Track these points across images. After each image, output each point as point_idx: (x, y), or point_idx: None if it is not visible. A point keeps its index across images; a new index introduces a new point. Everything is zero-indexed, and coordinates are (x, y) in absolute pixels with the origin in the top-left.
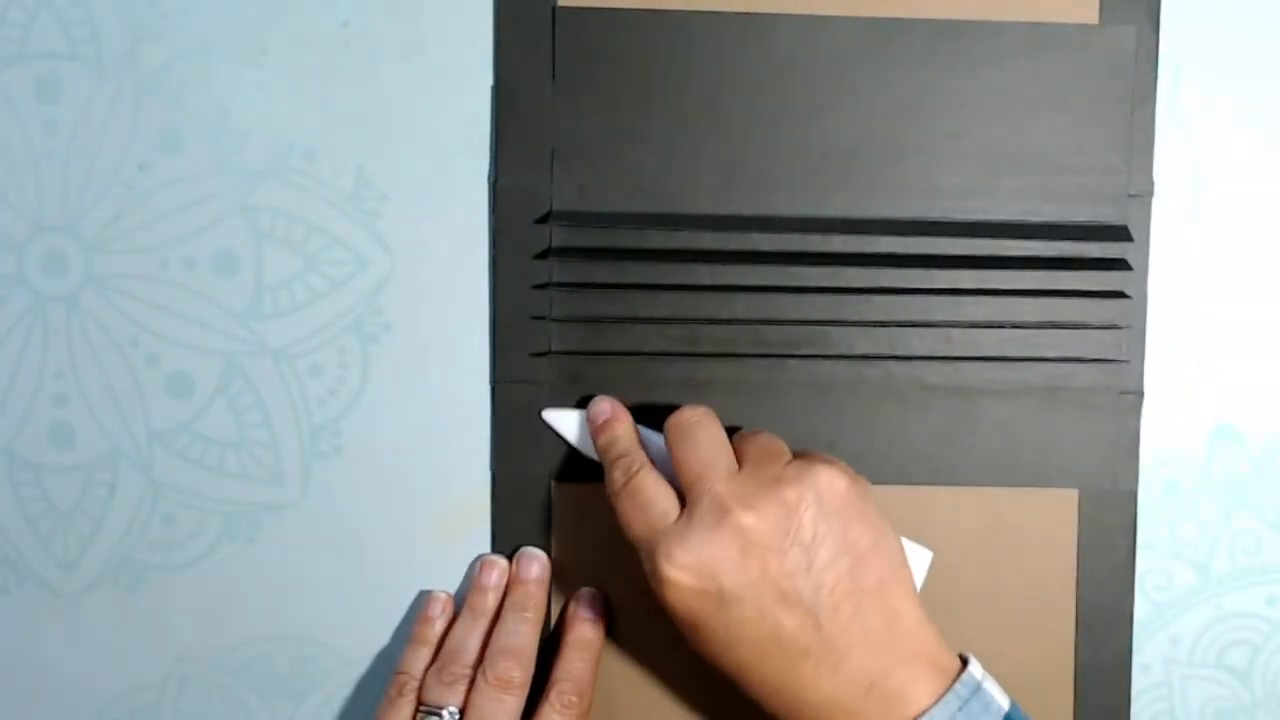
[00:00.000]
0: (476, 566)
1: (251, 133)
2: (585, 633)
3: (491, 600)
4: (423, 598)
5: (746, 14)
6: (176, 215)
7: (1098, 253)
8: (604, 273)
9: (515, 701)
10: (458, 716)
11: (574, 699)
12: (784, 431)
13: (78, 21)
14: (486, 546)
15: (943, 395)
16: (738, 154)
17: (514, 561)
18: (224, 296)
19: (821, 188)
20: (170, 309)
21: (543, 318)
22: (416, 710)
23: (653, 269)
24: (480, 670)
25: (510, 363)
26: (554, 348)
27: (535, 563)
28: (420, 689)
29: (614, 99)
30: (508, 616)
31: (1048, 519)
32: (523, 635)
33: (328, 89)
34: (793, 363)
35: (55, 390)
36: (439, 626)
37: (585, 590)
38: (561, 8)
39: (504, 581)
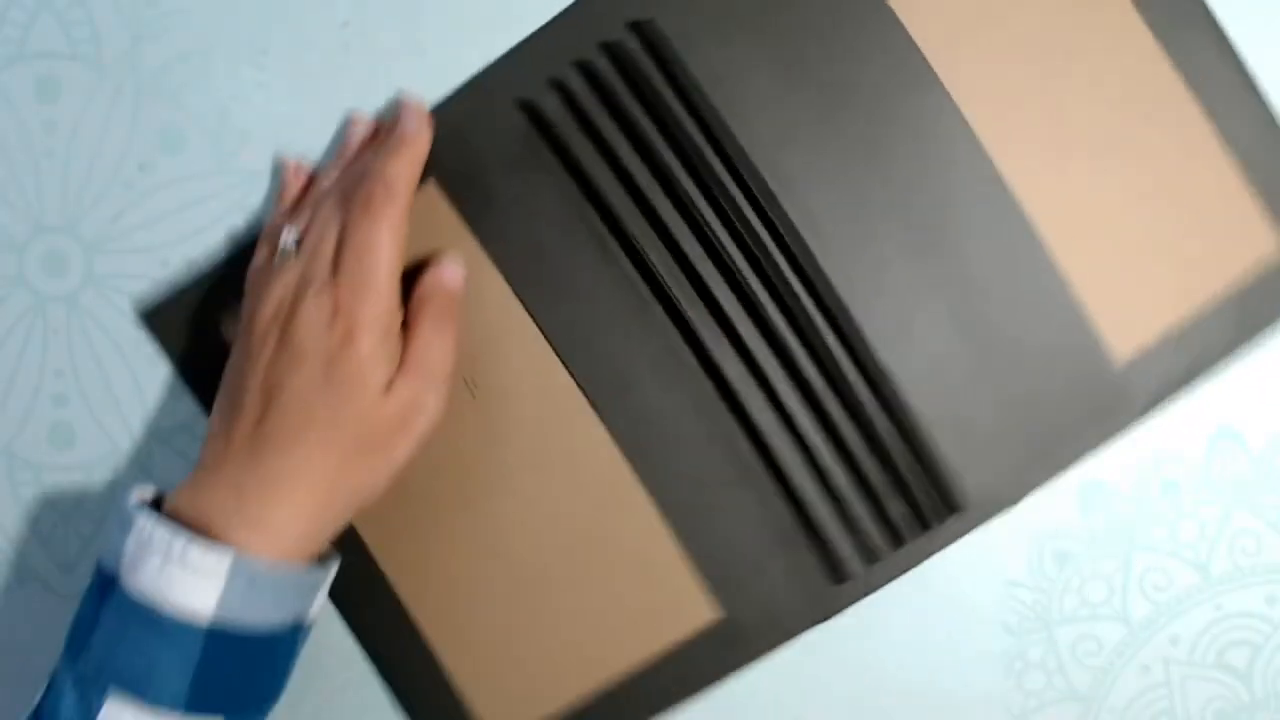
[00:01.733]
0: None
1: (251, 133)
2: (398, 137)
3: (355, 145)
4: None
5: None
6: (176, 215)
7: None
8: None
9: (341, 214)
10: (293, 238)
11: (380, 196)
12: None
13: (78, 21)
14: None
15: None
16: None
17: (398, 110)
18: None
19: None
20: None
21: None
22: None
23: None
24: (321, 192)
25: None
26: None
27: (412, 116)
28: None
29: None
30: (365, 152)
31: None
32: (363, 160)
33: (328, 89)
34: None
35: (55, 390)
36: (296, 188)
37: (408, 103)
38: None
39: (369, 134)
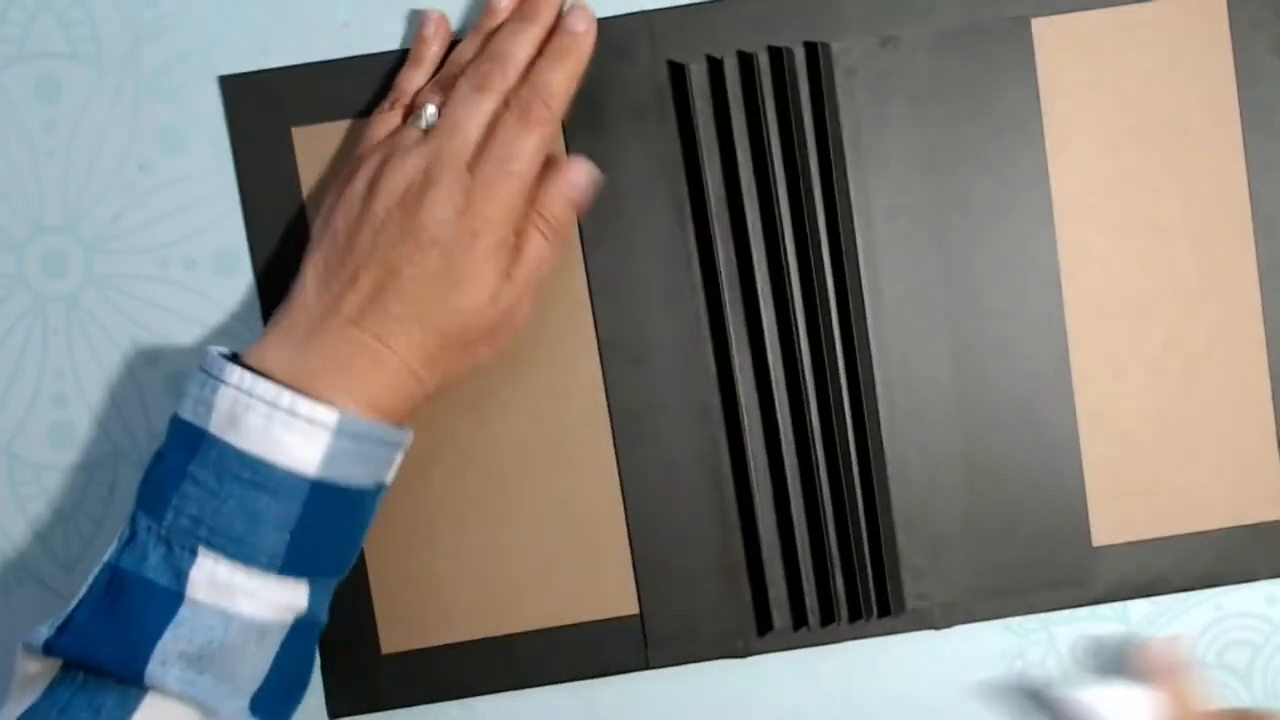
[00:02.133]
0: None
1: None
2: (565, 43)
3: (502, 19)
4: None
5: None
6: (176, 215)
7: None
8: None
9: (490, 103)
10: (434, 115)
11: (540, 110)
12: None
13: (78, 21)
14: None
15: None
16: None
17: None
18: (224, 296)
19: None
20: (170, 309)
21: None
22: (410, 121)
23: None
24: (463, 74)
25: None
26: None
27: (583, 16)
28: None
29: None
30: (505, 26)
31: None
32: (518, 44)
33: None
34: None
35: (55, 390)
36: (435, 48)
37: (575, 2)
38: None
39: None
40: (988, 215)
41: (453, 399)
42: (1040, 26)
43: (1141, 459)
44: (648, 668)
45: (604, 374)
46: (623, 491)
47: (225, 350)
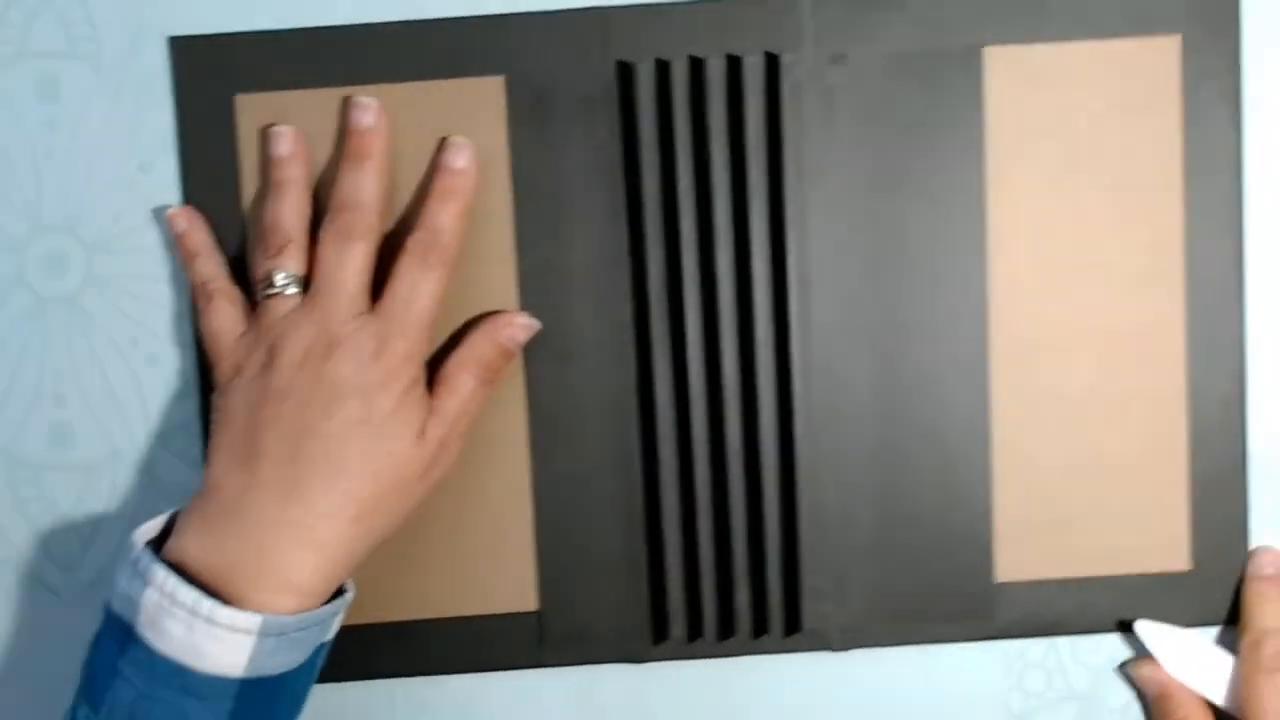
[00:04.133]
0: (264, 141)
1: None
2: (449, 183)
3: (296, 168)
4: (166, 223)
5: None
6: None
7: None
8: None
9: (363, 248)
10: (296, 282)
11: (437, 251)
12: None
13: (78, 21)
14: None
15: None
16: None
17: (347, 111)
18: None
19: None
20: (170, 309)
21: None
22: (263, 294)
23: None
24: (322, 228)
25: None
26: None
27: (367, 112)
28: (255, 275)
29: None
30: (344, 170)
31: None
32: (363, 186)
33: None
34: None
35: (55, 390)
36: (197, 235)
37: (454, 139)
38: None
39: (300, 148)
40: (922, 241)
41: None
42: (992, 56)
43: (1052, 499)
44: (541, 665)
45: (525, 367)
46: (534, 487)
47: (153, 531)
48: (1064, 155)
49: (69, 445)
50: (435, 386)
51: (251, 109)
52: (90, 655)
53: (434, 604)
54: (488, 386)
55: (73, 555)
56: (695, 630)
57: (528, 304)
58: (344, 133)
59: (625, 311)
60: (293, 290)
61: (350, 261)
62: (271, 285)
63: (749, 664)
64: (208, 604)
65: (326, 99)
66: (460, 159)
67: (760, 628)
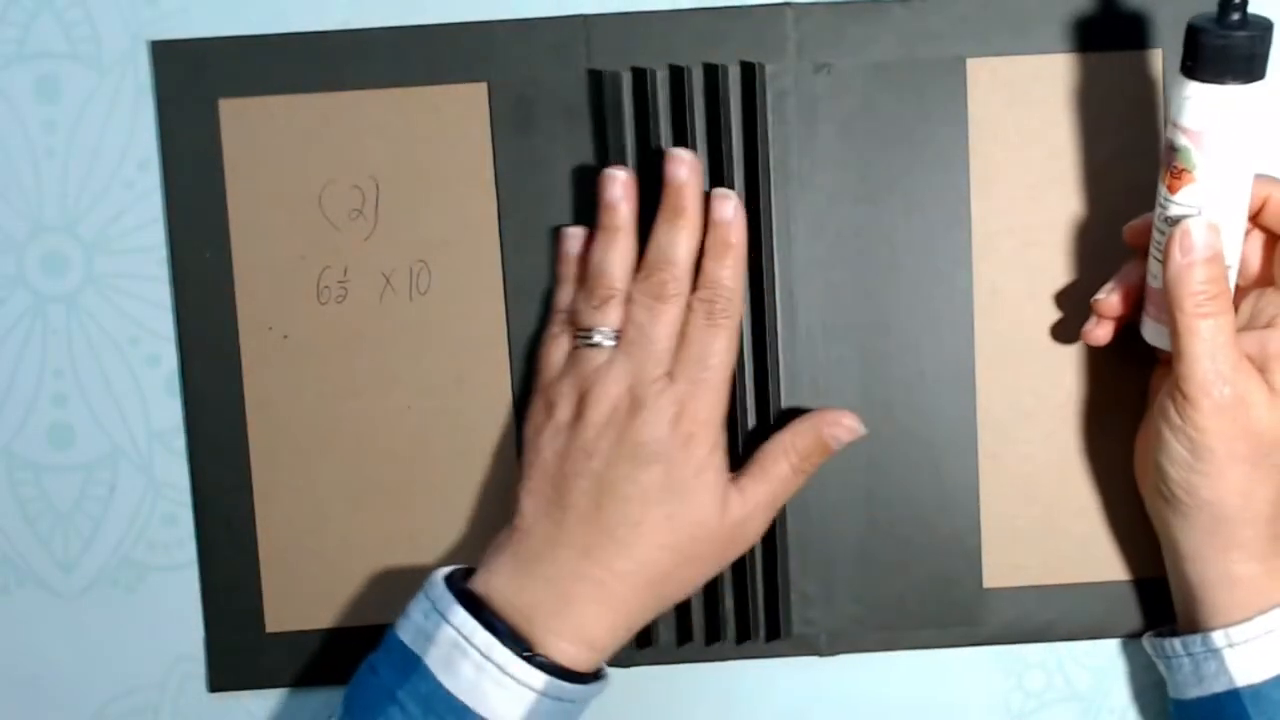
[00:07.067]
0: (599, 182)
1: None
2: (722, 235)
3: (624, 213)
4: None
5: None
6: None
7: None
8: None
9: (674, 310)
10: (612, 336)
11: (722, 307)
12: None
13: (78, 21)
14: None
15: None
16: None
17: (665, 164)
18: None
19: None
20: (170, 309)
21: None
22: (581, 341)
23: None
24: (635, 284)
25: None
26: None
27: (683, 165)
28: (578, 320)
29: None
30: (660, 227)
31: None
32: (678, 244)
33: None
34: None
35: (55, 390)
36: (577, 260)
37: (718, 190)
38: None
39: (631, 193)
40: (907, 250)
41: (355, 377)
42: (975, 67)
43: (1038, 505)
44: None
45: (511, 372)
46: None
47: (450, 570)
48: (1047, 165)
49: (69, 445)
50: (750, 465)
51: (235, 114)
52: (362, 677)
53: None
54: (800, 476)
55: (73, 555)
56: (684, 635)
57: (513, 312)
58: (663, 186)
59: None
60: (608, 344)
61: (662, 323)
62: (590, 337)
63: (737, 669)
64: (502, 651)
65: (310, 104)
66: (726, 210)
67: (748, 632)
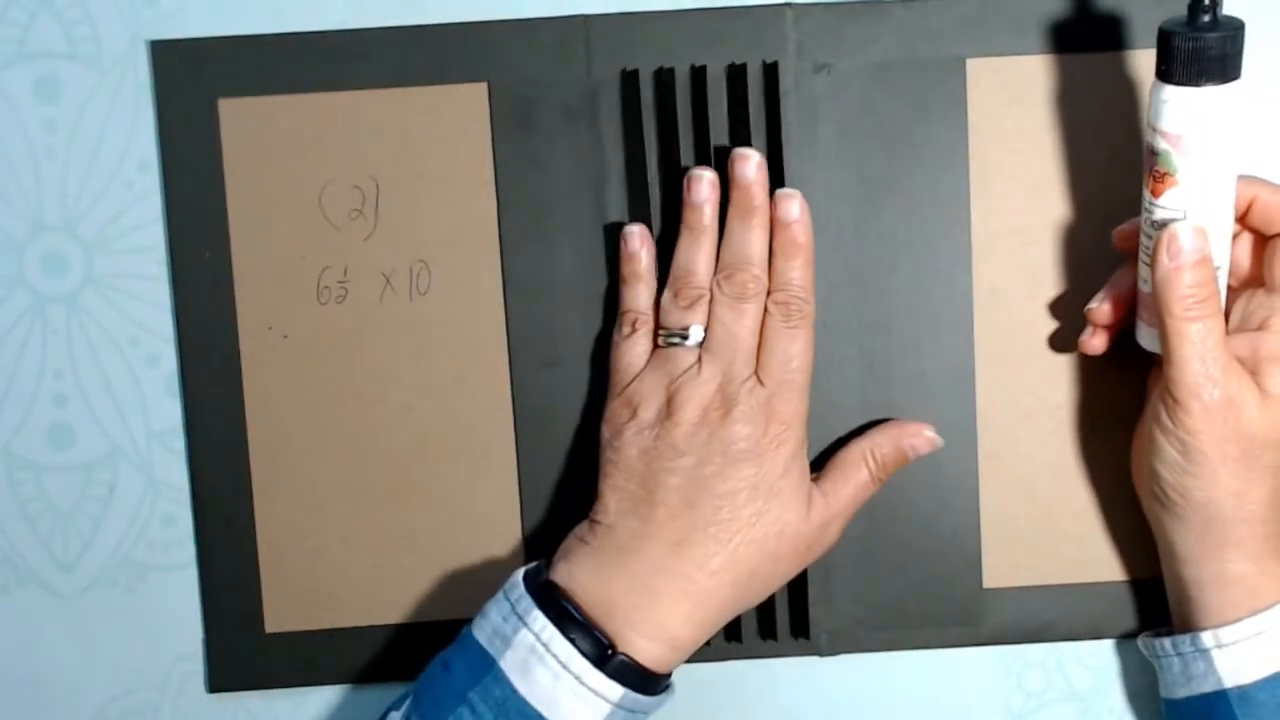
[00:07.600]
0: (684, 183)
1: None
2: (791, 235)
3: (709, 213)
4: (620, 236)
5: None
6: None
7: None
8: None
9: (756, 309)
10: (702, 334)
11: (798, 307)
12: None
13: (78, 21)
14: None
15: None
16: None
17: (730, 164)
18: None
19: None
20: (170, 309)
21: None
22: (655, 341)
23: None
24: (716, 284)
25: None
26: None
27: (749, 163)
28: (657, 318)
29: None
30: (734, 226)
31: None
32: (753, 243)
33: None
34: None
35: (55, 390)
36: (644, 259)
37: (782, 190)
38: None
39: (717, 194)
40: (907, 249)
41: (355, 377)
42: (975, 67)
43: (1038, 506)
44: None
45: (511, 372)
46: (520, 491)
47: (528, 568)
48: (1047, 165)
49: (69, 445)
50: (829, 470)
51: (235, 114)
52: (431, 671)
53: (425, 609)
54: (877, 484)
55: (73, 555)
56: None
57: (513, 310)
58: (731, 185)
59: (610, 318)
60: (695, 344)
61: (746, 323)
62: (682, 336)
63: (737, 669)
64: (580, 662)
65: (310, 104)
66: (792, 209)
67: (737, 633)
